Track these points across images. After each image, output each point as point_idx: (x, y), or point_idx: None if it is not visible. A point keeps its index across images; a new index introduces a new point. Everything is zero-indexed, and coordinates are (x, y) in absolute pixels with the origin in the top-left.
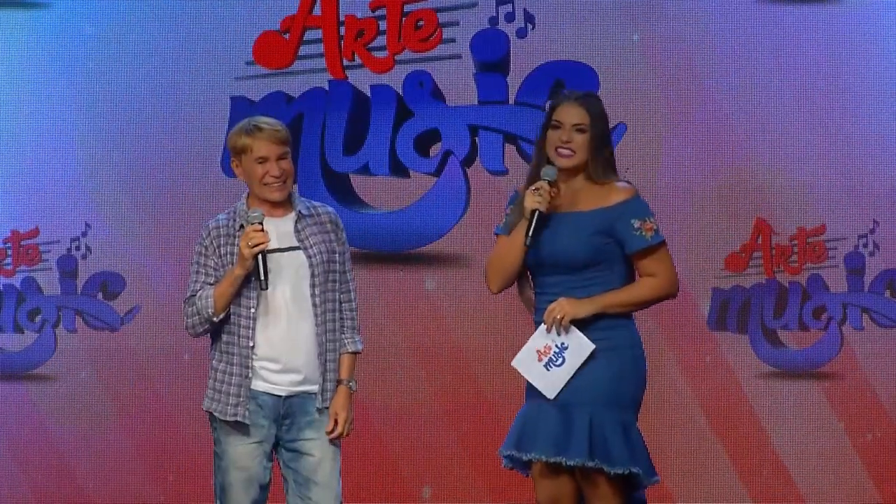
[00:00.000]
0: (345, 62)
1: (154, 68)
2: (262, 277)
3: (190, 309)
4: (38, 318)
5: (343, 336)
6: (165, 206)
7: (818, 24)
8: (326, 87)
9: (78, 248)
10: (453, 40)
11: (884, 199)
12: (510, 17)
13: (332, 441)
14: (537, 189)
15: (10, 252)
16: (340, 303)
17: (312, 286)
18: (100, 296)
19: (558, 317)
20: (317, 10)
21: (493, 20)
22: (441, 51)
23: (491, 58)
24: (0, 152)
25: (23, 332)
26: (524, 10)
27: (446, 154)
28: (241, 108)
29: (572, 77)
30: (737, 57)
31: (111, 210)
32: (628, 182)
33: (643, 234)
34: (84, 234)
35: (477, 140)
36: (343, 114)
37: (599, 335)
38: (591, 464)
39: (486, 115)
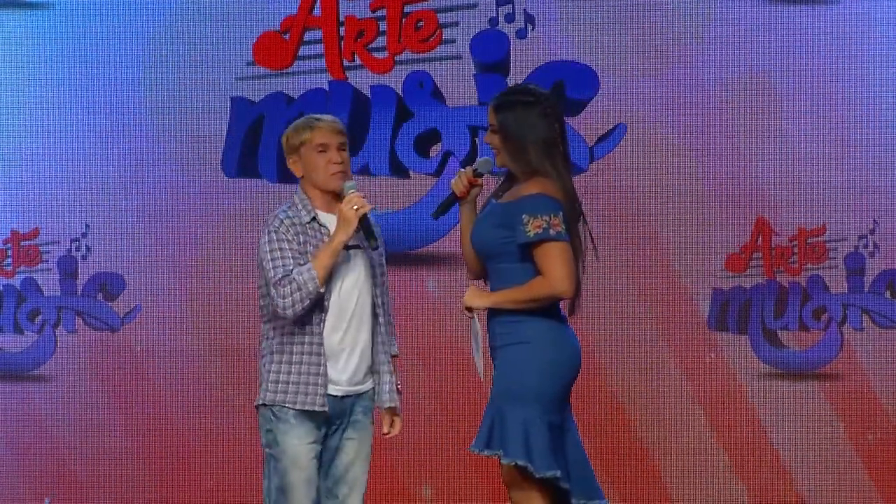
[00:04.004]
0: (345, 63)
1: (154, 69)
2: (375, 236)
3: (287, 288)
4: (38, 319)
5: (386, 339)
6: (166, 207)
7: (818, 24)
8: (326, 88)
9: (78, 249)
10: (453, 41)
11: (884, 200)
12: (510, 18)
13: (367, 442)
14: (460, 174)
15: (10, 252)
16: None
17: (374, 286)
18: (100, 296)
19: (460, 303)
20: (317, 11)
21: (494, 21)
22: (441, 51)
23: (491, 58)
24: (0, 152)
25: (23, 333)
26: (524, 10)
27: (446, 155)
28: (241, 108)
29: (572, 78)
30: (737, 57)
31: (111, 210)
32: (549, 177)
33: (527, 230)
34: (84, 235)
35: (477, 141)
36: (343, 114)
37: (505, 329)
38: (486, 452)
39: (486, 115)
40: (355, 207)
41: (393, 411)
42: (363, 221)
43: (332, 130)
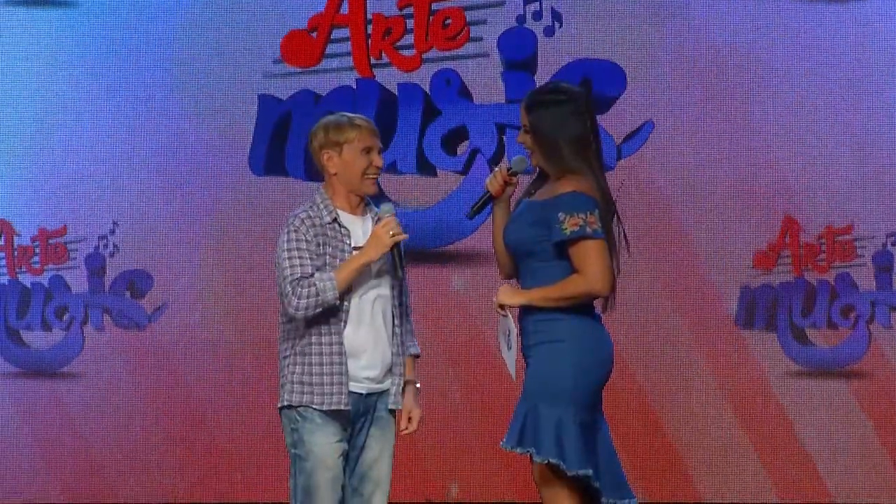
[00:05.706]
0: (372, 60)
1: (182, 66)
2: (402, 266)
3: (306, 290)
4: (65, 316)
5: (406, 339)
6: (193, 205)
7: (847, 22)
8: (354, 86)
9: (105, 246)
10: (481, 39)
11: None
12: (538, 16)
13: (390, 439)
14: (496, 172)
15: (37, 250)
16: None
17: (392, 287)
18: (127, 294)
19: (493, 300)
20: (344, 9)
21: (521, 18)
22: (468, 49)
23: (518, 56)
24: (28, 151)
25: (51, 330)
26: (551, 8)
27: (474, 152)
28: (268, 106)
29: (600, 75)
30: (764, 55)
31: (138, 208)
32: (584, 175)
33: (563, 227)
34: (112, 233)
35: (504, 139)
36: (370, 112)
37: (539, 327)
38: (518, 450)
39: (513, 113)
40: (392, 234)
41: (401, 412)
42: (394, 248)
43: (375, 133)
